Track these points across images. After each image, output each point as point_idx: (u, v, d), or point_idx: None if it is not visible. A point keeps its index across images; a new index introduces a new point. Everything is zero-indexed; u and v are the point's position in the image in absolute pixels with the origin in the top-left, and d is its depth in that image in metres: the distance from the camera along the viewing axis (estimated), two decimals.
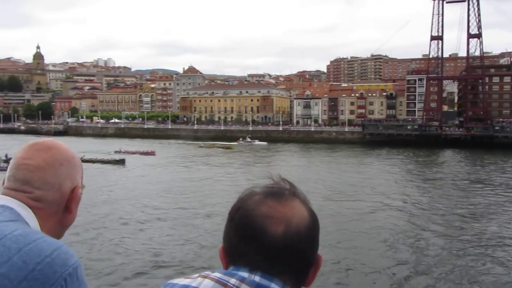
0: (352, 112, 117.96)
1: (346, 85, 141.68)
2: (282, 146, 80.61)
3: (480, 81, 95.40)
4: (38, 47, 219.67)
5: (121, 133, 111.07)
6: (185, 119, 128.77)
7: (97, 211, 23.23)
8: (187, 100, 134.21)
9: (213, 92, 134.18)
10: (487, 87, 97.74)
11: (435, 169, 47.81)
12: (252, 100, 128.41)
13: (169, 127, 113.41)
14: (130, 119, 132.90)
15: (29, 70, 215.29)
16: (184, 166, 46.49)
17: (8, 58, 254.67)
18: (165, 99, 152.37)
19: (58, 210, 1.17)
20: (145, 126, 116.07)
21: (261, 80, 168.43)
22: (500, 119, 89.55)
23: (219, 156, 59.34)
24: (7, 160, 43.50)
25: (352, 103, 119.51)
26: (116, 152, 60.18)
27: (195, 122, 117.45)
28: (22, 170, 1.14)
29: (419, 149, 73.27)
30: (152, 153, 60.20)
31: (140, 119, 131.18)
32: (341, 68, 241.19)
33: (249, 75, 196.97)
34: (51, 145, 1.20)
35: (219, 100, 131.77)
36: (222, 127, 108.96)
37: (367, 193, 30.07)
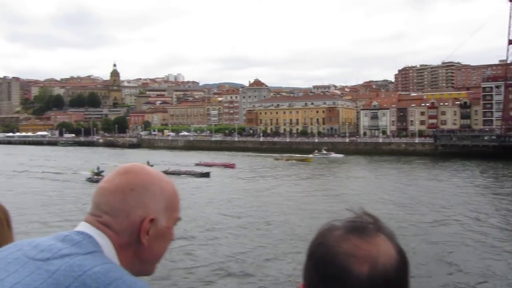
0: (422, 122, 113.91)
1: (415, 94, 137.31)
2: (355, 158, 79.65)
3: None
4: (114, 65, 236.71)
5: (190, 146, 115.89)
6: (251, 131, 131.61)
7: (195, 223, 23.64)
8: (253, 113, 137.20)
9: (278, 105, 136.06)
10: None
11: None
12: (317, 112, 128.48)
13: (236, 139, 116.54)
14: (198, 132, 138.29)
15: (106, 86, 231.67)
16: (268, 179, 46.37)
17: (88, 76, 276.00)
18: (231, 112, 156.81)
19: (131, 240, 1.08)
20: (213, 139, 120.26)
21: (327, 91, 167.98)
22: None
23: (297, 169, 58.96)
24: (98, 173, 45.51)
25: (422, 113, 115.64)
26: (196, 164, 60.38)
27: (261, 134, 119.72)
28: (97, 194, 1.11)
29: (497, 162, 69.08)
30: (232, 166, 58.72)
31: (208, 131, 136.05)
32: (410, 77, 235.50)
33: (314, 87, 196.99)
34: (130, 169, 1.12)
35: (284, 112, 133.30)
36: (288, 139, 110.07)
37: (438, 209, 28.72)
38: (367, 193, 36.28)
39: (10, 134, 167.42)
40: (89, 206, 1.11)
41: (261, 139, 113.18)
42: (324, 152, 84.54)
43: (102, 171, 46.88)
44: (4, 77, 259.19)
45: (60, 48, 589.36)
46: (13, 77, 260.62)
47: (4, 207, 1.38)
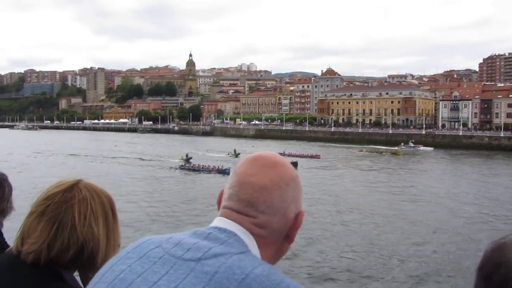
0: (509, 115, 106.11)
1: (502, 85, 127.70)
2: (447, 152, 75.72)
3: None
4: (190, 55, 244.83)
5: (260, 134, 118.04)
6: (322, 121, 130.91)
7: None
8: (324, 102, 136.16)
9: (351, 94, 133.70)
10: None
11: None
12: (392, 102, 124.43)
13: (306, 129, 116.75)
14: (269, 121, 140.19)
15: (182, 76, 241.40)
16: (354, 171, 46.30)
17: (166, 66, 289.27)
18: (303, 101, 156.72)
19: (279, 238, 1.01)
20: (283, 128, 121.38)
21: (403, 81, 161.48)
22: None
23: (389, 162, 57.81)
24: (188, 160, 48.08)
25: (510, 105, 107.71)
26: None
27: (333, 124, 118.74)
28: (247, 189, 0.99)
29: None
30: (317, 156, 60.00)
31: (279, 121, 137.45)
32: (497, 66, 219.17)
33: (390, 76, 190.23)
34: (277, 161, 1.04)
35: (357, 102, 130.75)
36: (360, 130, 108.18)
37: None
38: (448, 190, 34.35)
39: (96, 121, 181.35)
40: (226, 199, 1.01)
41: (332, 129, 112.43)
42: (412, 145, 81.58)
43: (190, 158, 49.73)
44: (91, 68, 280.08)
45: (140, 39, 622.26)
46: (99, 68, 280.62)
47: (110, 195, 1.34)
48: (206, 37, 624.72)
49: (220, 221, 0.99)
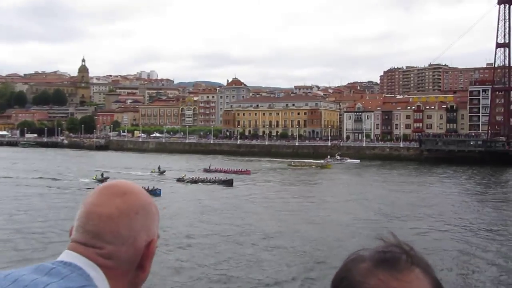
0: (407, 126, 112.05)
1: (401, 97, 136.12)
2: (372, 164, 77.23)
3: None
4: (83, 60, 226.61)
5: (161, 148, 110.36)
6: (227, 133, 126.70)
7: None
8: (230, 114, 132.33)
9: (257, 105, 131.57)
10: None
11: (500, 189, 44.67)
12: (299, 114, 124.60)
13: (211, 141, 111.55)
14: (171, 133, 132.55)
15: (73, 83, 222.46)
16: (302, 186, 45.20)
17: (55, 72, 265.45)
18: (207, 112, 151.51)
19: (131, 268, 1.00)
20: (187, 141, 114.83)
21: (309, 92, 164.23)
22: None
23: (317, 175, 57.65)
24: (102, 180, 41.81)
25: (408, 117, 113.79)
26: (206, 170, 57.96)
27: (238, 136, 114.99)
28: (93, 220, 0.98)
29: (483, 167, 68.64)
30: (247, 172, 56.52)
31: (182, 133, 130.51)
32: (396, 79, 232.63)
33: (296, 87, 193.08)
34: (127, 189, 1.02)
35: (263, 114, 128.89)
36: (267, 142, 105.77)
37: (422, 216, 28.45)
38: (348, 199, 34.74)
39: None
40: (74, 231, 1.00)
41: (238, 141, 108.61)
42: (338, 157, 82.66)
43: (106, 178, 42.93)
44: None
45: (25, 41, 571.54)
46: None
47: None
48: (102, 42, 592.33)
49: (66, 255, 0.97)
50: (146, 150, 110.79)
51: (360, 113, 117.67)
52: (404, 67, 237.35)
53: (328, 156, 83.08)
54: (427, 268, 0.76)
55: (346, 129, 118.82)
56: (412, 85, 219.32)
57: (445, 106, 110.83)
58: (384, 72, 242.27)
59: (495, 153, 78.47)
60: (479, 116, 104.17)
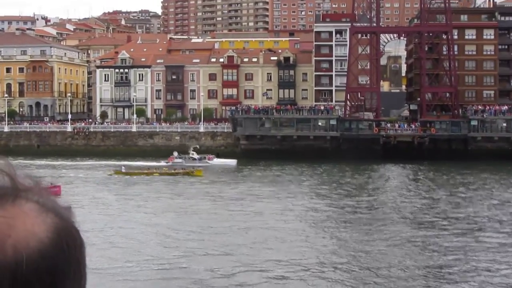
0: (212, 94, 75.27)
1: (200, 40, 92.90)
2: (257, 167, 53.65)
3: (445, 36, 64.54)
4: None
5: None
6: None
7: None
8: None
9: None
10: (456, 47, 65.31)
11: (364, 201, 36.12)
12: (8, 71, 78.59)
13: None
14: None
15: None
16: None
17: None
18: None
19: None
20: None
21: (30, 29, 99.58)
22: (479, 107, 61.79)
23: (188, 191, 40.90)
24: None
25: (212, 78, 75.42)
26: None
27: None
28: None
29: (338, 164, 51.89)
30: (56, 191, 32.87)
31: None
32: (190, 10, 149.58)
33: (5, 17, 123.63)
34: None
35: None
36: None
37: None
38: None
39: None
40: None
41: None
42: (195, 156, 54.67)
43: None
44: None
45: None
46: None
47: None
48: None
49: None
50: None
51: (126, 70, 76.63)
52: None
53: (175, 154, 54.75)
54: (50, 206, 0.68)
55: (101, 100, 77.53)
56: (219, 19, 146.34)
57: (275, 58, 75.84)
58: None
59: (356, 141, 56.98)
60: (330, 75, 73.41)
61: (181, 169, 48.75)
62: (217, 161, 55.08)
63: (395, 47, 79.75)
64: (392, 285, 18.92)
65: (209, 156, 55.53)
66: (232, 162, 54.97)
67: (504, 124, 59.92)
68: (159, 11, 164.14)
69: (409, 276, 19.85)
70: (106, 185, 43.44)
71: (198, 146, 57.95)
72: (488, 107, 62.15)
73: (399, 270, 20.44)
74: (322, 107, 64.88)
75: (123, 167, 48.86)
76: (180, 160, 53.94)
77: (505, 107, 61.53)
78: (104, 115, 75.92)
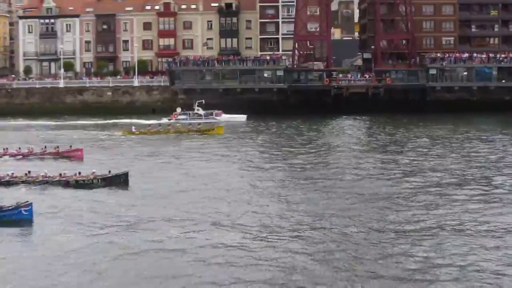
0: (147, 45, 71.39)
1: None
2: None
3: None
4: None
5: None
6: None
7: None
8: None
9: None
10: None
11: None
12: None
13: None
14: None
15: None
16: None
17: None
18: None
19: None
20: None
21: None
22: (437, 54, 59.27)
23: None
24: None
25: (146, 27, 71.63)
26: None
27: None
28: None
29: (286, 118, 50.09)
30: (78, 155, 33.91)
31: None
32: None
33: None
34: None
35: None
36: None
37: None
38: None
39: None
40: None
41: None
42: (200, 111, 51.57)
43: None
44: None
45: None
46: None
47: None
48: None
49: None
50: None
51: (52, 20, 71.98)
52: None
53: (178, 110, 51.85)
54: None
55: (25, 54, 72.94)
56: None
57: (216, 4, 71.69)
58: None
59: (306, 93, 55.30)
60: (277, 22, 69.99)
61: (197, 126, 45.74)
62: (225, 117, 51.54)
63: None
64: (351, 245, 16.75)
65: (216, 112, 51.81)
66: (242, 117, 51.99)
67: (465, 73, 57.12)
68: None
69: (367, 234, 17.92)
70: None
71: (203, 101, 52.80)
72: (447, 54, 59.38)
73: (356, 229, 18.53)
74: (268, 57, 61.49)
75: (133, 127, 45.13)
76: (184, 117, 50.89)
77: (466, 55, 58.86)
78: (28, 70, 70.59)
